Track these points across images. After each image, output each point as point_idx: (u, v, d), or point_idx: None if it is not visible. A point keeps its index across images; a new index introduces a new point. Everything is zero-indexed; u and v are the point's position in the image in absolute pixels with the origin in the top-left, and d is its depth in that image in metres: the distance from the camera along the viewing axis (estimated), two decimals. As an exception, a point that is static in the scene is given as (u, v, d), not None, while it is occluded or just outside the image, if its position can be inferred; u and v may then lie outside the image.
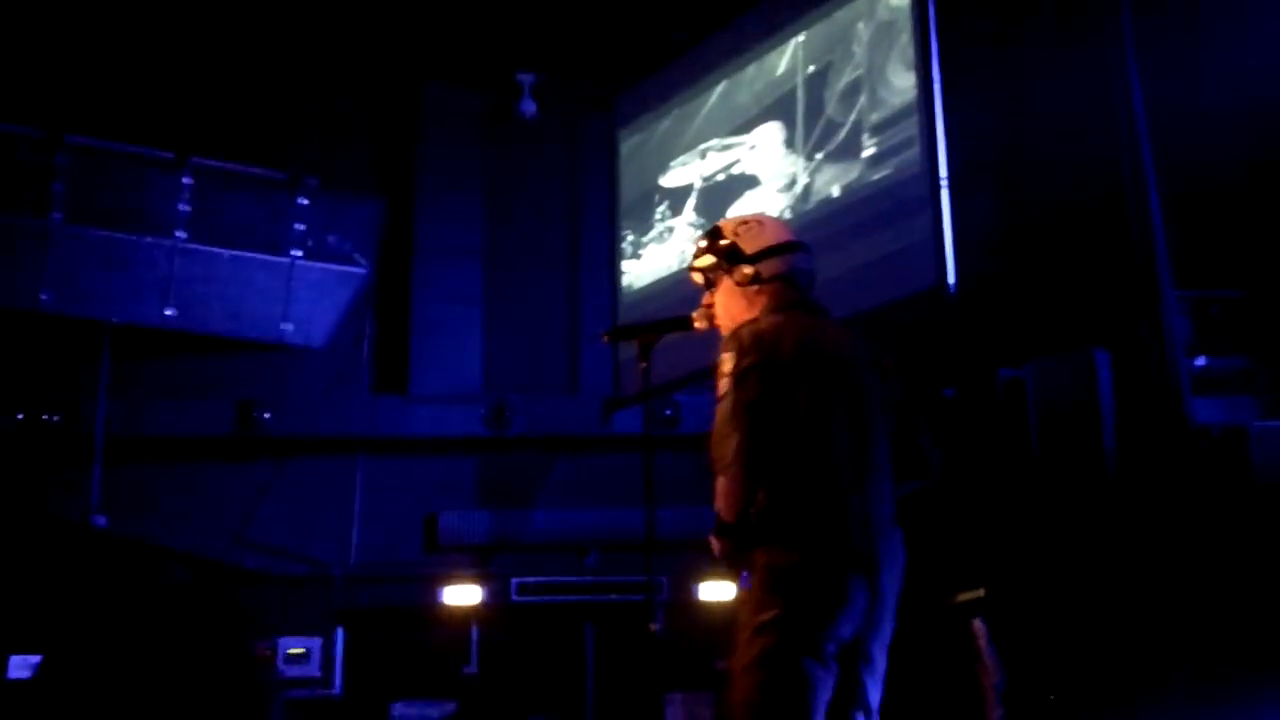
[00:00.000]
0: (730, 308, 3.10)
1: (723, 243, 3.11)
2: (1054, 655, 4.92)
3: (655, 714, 7.05)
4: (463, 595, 7.73)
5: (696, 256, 3.19)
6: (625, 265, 8.25)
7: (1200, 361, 5.34)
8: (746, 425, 2.76)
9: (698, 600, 7.40)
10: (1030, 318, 5.55)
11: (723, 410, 2.82)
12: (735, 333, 2.93)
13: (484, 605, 7.61)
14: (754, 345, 2.86)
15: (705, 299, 3.17)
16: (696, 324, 3.19)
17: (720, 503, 2.78)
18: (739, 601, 2.82)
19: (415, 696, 7.27)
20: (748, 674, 2.67)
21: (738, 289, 3.08)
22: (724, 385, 2.85)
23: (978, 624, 5.01)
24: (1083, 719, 4.77)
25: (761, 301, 3.06)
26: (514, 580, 7.66)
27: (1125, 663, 4.77)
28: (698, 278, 3.20)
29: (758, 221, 3.18)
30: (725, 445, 2.76)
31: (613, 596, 7.52)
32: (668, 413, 7.69)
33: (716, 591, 7.34)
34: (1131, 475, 4.98)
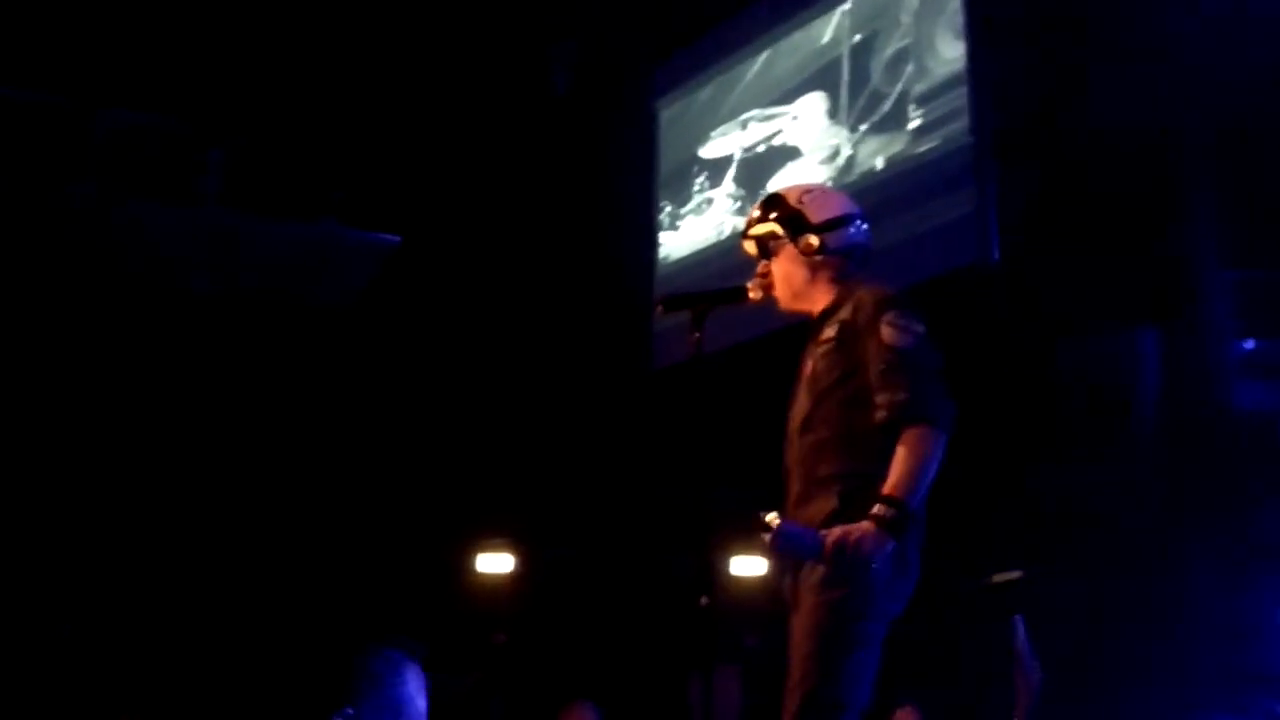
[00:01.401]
0: (792, 278, 3.02)
1: (786, 212, 3.03)
2: (1086, 640, 4.86)
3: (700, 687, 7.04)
4: (495, 563, 7.81)
5: (752, 225, 3.10)
6: (662, 236, 8.17)
7: (1249, 344, 5.22)
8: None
9: (730, 575, 7.37)
10: (1075, 295, 5.44)
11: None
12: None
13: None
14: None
15: (760, 268, 3.09)
16: (752, 294, 3.09)
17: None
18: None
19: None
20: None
21: (801, 259, 3.00)
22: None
23: (1017, 624, 4.93)
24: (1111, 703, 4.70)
25: (825, 273, 3.00)
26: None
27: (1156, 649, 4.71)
28: (750, 246, 3.12)
29: (823, 191, 3.12)
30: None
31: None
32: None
33: (747, 566, 7.30)
34: (1173, 458, 4.90)
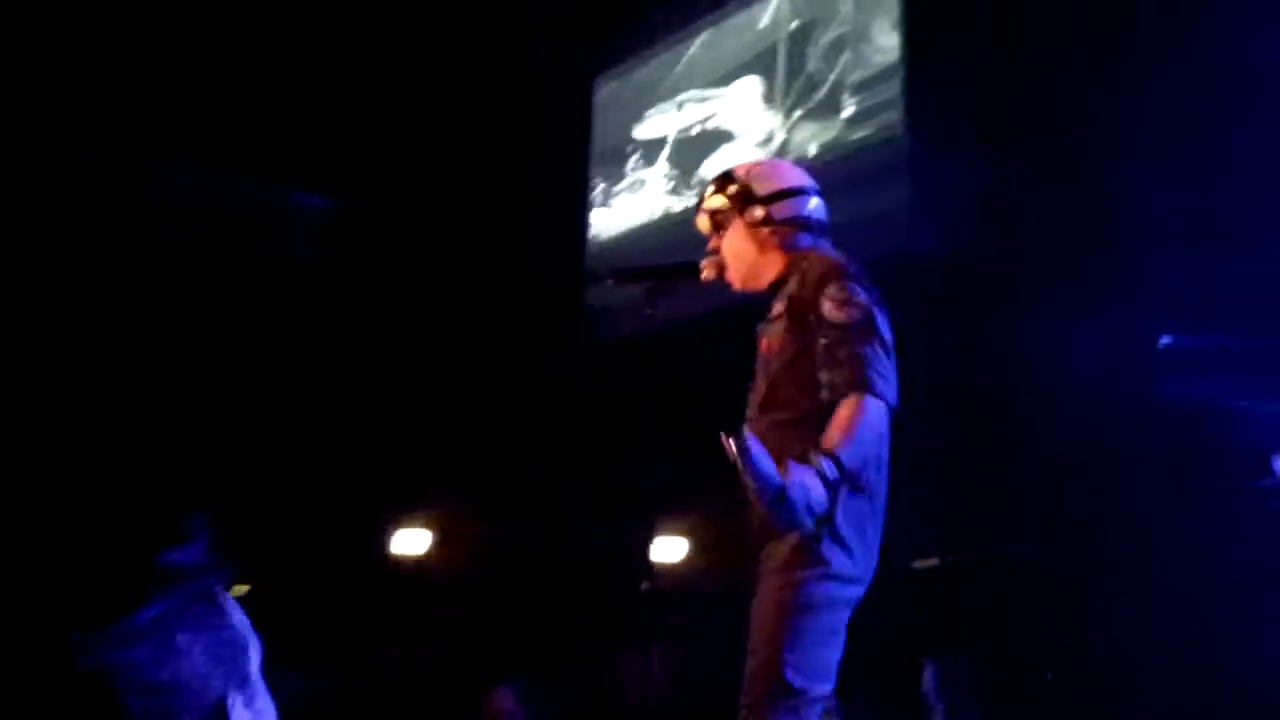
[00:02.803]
0: (740, 251, 2.98)
1: (735, 186, 3.00)
2: (1012, 631, 4.93)
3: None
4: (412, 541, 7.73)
5: (705, 200, 3.07)
6: (595, 214, 8.12)
7: (1168, 339, 5.33)
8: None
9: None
10: (1009, 284, 5.51)
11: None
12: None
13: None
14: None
15: (712, 244, 3.04)
16: (705, 272, 3.05)
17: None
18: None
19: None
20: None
21: (748, 231, 2.96)
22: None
23: (926, 666, 4.97)
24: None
25: (774, 246, 2.96)
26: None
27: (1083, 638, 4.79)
28: (704, 223, 3.07)
29: (773, 164, 3.10)
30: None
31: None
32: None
33: (669, 549, 7.32)
34: (1101, 449, 4.98)
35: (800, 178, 3.07)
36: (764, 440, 2.65)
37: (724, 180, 3.05)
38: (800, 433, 2.70)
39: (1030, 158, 5.64)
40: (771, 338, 2.88)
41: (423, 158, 8.03)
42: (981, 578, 5.16)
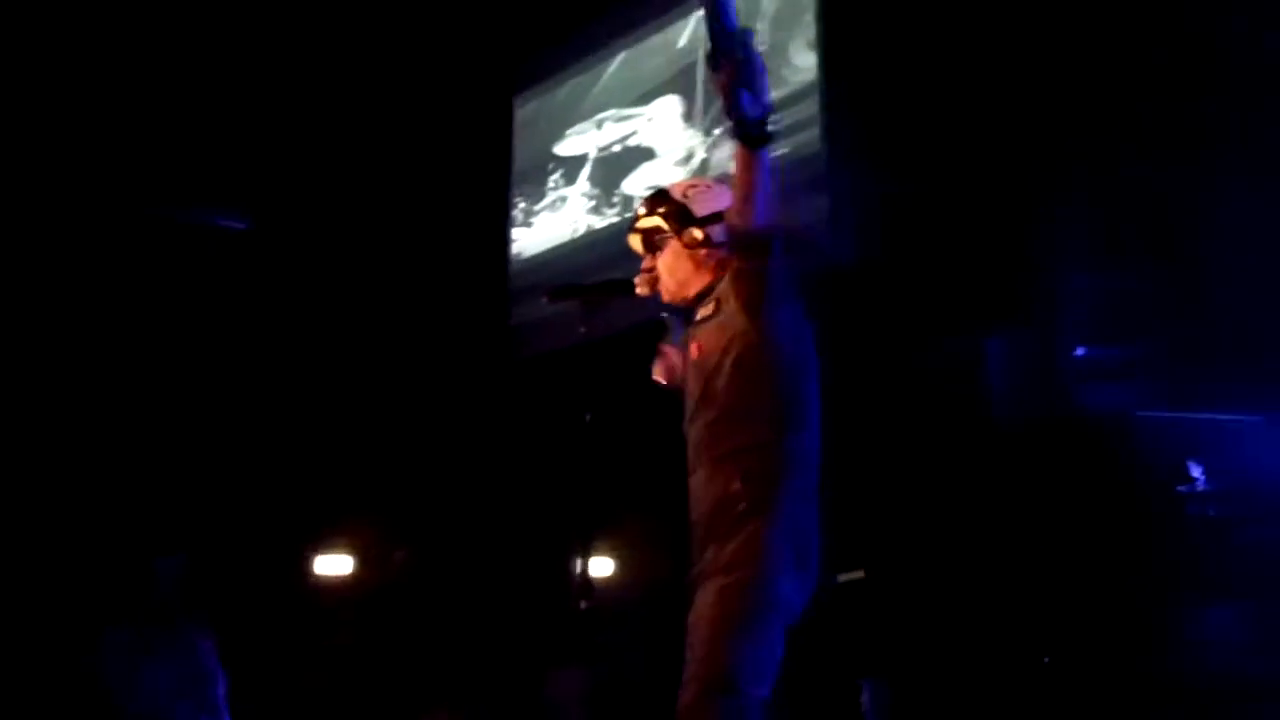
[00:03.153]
0: (677, 271, 2.99)
1: (671, 206, 3.00)
2: (935, 637, 4.97)
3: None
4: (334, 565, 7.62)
5: (638, 219, 3.07)
6: (516, 233, 8.10)
7: (1081, 351, 5.44)
8: None
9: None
10: (924, 299, 5.59)
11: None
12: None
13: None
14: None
15: (646, 263, 3.06)
16: (639, 289, 3.08)
17: None
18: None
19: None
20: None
21: (685, 252, 2.98)
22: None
23: (865, 689, 5.00)
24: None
25: (710, 264, 2.97)
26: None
27: (1002, 646, 4.85)
28: (636, 242, 3.09)
29: (709, 185, 3.08)
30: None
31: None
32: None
33: (599, 567, 7.30)
34: (1019, 461, 5.05)
35: None
36: (708, 446, 2.70)
37: (658, 199, 3.05)
38: (732, 425, 2.76)
39: (945, 174, 5.74)
40: (704, 338, 2.89)
41: (341, 178, 7.96)
42: (903, 593, 5.20)
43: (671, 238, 2.99)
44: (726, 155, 6.80)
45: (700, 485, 2.81)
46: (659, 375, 3.14)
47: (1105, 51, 5.23)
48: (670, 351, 3.15)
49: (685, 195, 3.01)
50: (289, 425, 7.77)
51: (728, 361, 2.79)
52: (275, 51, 7.58)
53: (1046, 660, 4.71)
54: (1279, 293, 4.78)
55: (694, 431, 2.85)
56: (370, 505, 7.73)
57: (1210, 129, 5.03)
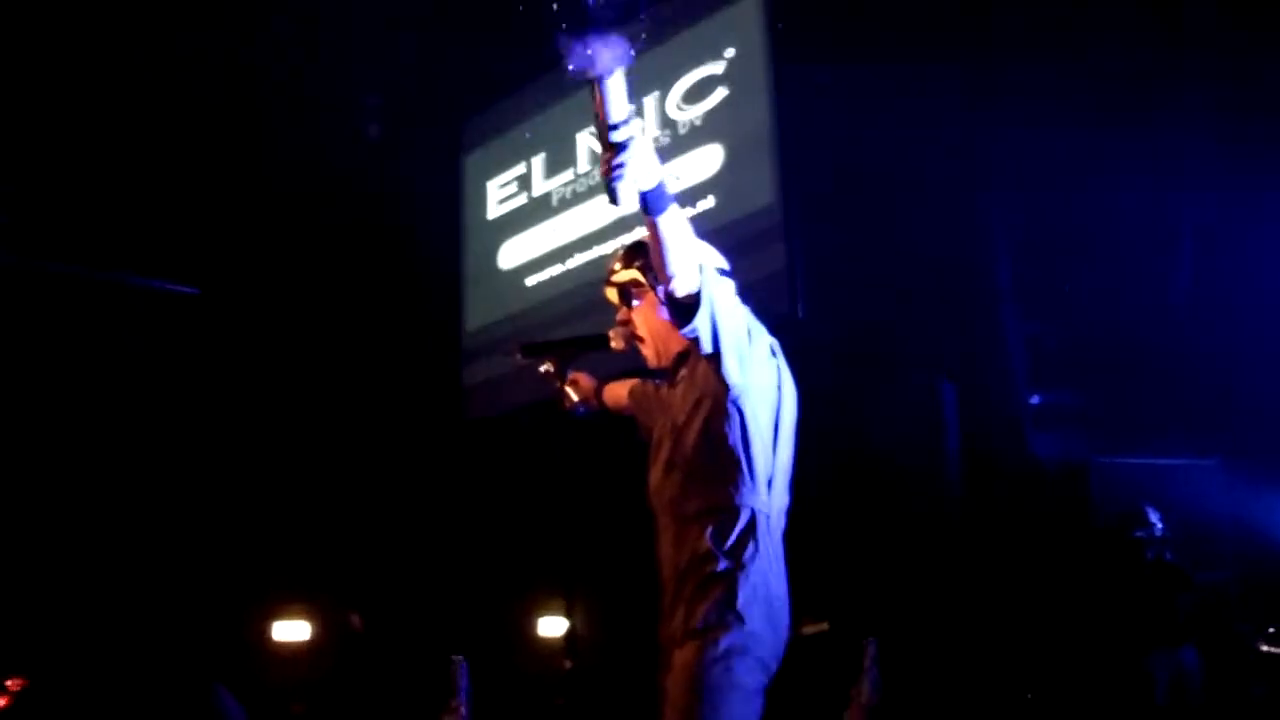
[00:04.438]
0: (654, 324, 2.94)
1: (647, 259, 2.88)
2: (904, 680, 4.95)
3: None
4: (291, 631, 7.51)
5: (614, 272, 3.01)
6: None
7: (1036, 398, 5.48)
8: None
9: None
10: (879, 348, 5.62)
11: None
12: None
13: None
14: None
15: (620, 315, 3.01)
16: (614, 343, 3.03)
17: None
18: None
19: None
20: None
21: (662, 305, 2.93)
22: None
23: (869, 645, 4.97)
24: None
25: None
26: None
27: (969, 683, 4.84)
28: (612, 294, 3.02)
29: None
30: None
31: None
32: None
33: (551, 627, 7.26)
34: (976, 506, 5.07)
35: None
36: (676, 503, 2.68)
37: (634, 252, 2.98)
38: (700, 486, 2.71)
39: (898, 227, 5.79)
40: (675, 400, 2.84)
41: (289, 242, 7.93)
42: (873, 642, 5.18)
43: (648, 291, 2.95)
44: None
45: (669, 544, 2.77)
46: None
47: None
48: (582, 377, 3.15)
49: None
50: (244, 490, 7.68)
51: (697, 420, 2.76)
52: (229, 127, 7.58)
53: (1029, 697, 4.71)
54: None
55: (664, 486, 2.81)
56: (326, 570, 7.63)
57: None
